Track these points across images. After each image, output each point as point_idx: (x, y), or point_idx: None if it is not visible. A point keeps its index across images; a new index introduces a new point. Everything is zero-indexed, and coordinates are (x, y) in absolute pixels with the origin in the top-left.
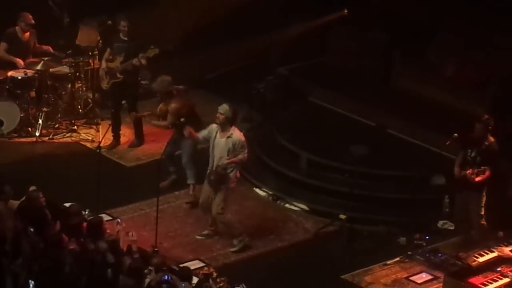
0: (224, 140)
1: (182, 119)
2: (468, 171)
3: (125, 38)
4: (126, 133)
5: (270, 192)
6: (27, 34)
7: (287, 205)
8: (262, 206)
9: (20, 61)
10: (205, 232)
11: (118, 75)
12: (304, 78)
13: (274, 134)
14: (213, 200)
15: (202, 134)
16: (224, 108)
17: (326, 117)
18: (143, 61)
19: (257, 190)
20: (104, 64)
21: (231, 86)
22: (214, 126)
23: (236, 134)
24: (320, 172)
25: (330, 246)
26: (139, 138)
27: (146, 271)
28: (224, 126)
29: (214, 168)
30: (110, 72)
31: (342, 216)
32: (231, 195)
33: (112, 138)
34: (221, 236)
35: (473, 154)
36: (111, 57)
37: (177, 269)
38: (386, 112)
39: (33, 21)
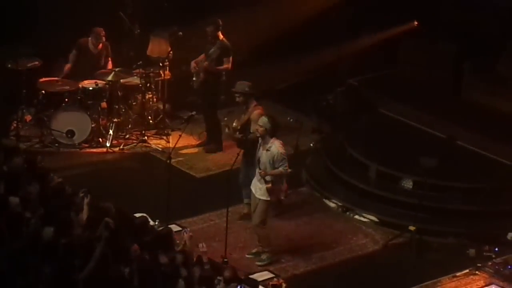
0: (265, 153)
1: (240, 135)
2: None
3: (213, 41)
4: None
5: (340, 204)
6: (100, 46)
7: (356, 216)
8: (332, 217)
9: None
10: (254, 250)
11: (201, 75)
12: (374, 90)
13: (344, 145)
14: (254, 214)
15: None
16: (263, 120)
17: (396, 129)
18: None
19: (327, 201)
20: (192, 64)
21: (301, 97)
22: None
23: (275, 146)
24: (389, 183)
25: (399, 258)
26: (218, 144)
27: (215, 281)
28: (264, 138)
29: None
30: (197, 73)
31: (412, 228)
32: (299, 206)
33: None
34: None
35: None
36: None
37: (244, 279)
38: (456, 124)
39: (103, 36)
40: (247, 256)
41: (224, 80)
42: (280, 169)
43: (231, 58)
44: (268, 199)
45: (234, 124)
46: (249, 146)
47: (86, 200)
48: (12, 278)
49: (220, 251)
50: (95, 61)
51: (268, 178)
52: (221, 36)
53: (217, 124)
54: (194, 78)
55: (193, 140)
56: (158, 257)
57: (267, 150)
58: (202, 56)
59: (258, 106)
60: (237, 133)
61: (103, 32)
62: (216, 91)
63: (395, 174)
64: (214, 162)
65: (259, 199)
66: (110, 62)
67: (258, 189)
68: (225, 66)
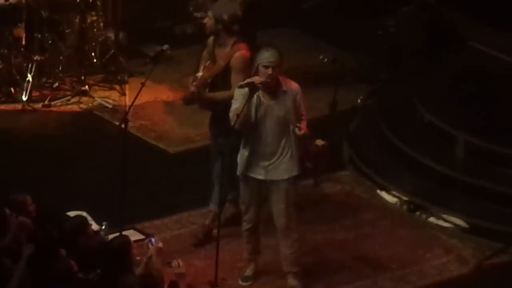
0: (277, 102)
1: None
2: None
3: None
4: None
5: (405, 198)
6: None
7: (432, 218)
8: (392, 219)
9: None
10: (250, 270)
11: None
12: (461, 11)
13: (413, 104)
14: (278, 208)
15: (235, 110)
16: (274, 55)
17: (497, 76)
18: None
19: (384, 193)
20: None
21: (341, 23)
22: (245, 91)
23: (292, 82)
24: (487, 165)
25: (501, 286)
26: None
27: None
28: (274, 81)
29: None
30: None
31: None
32: (338, 201)
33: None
34: (323, 267)
35: None
36: None
37: None
38: None
39: None
40: (241, 283)
41: None
42: (304, 118)
43: None
44: (297, 172)
45: (200, 73)
46: (222, 108)
47: None
48: None
49: (207, 274)
50: None
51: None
52: None
53: None
54: None
55: (165, 92)
56: (105, 280)
57: (284, 92)
58: None
59: (239, 45)
60: (207, 89)
61: None
62: None
63: (495, 149)
64: (198, 127)
65: (281, 181)
66: None
67: (275, 166)
68: None
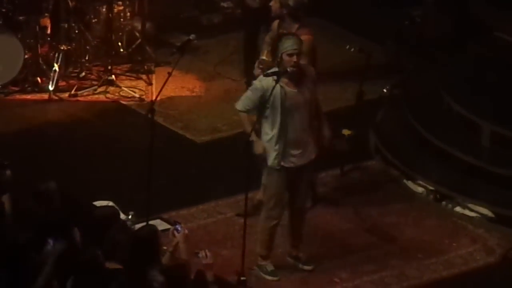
0: (303, 87)
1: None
2: None
3: None
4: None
5: (431, 187)
6: None
7: (458, 208)
8: (418, 209)
9: None
10: (271, 265)
11: None
12: (487, 1)
13: (439, 94)
14: (302, 187)
15: (248, 102)
16: (297, 42)
17: None
18: None
19: (410, 183)
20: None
21: (368, 12)
22: (269, 81)
23: (307, 65)
24: None
25: None
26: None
27: None
28: (298, 68)
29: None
30: None
31: None
32: (364, 191)
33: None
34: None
35: None
36: None
37: None
38: None
39: None
40: (270, 278)
41: None
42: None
43: None
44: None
45: (264, 57)
46: None
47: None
48: None
49: (234, 264)
50: None
51: None
52: None
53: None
54: None
55: (191, 82)
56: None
57: (306, 75)
58: None
59: (304, 29)
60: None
61: None
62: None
63: None
64: (225, 117)
65: (309, 162)
66: None
67: (305, 150)
68: None
